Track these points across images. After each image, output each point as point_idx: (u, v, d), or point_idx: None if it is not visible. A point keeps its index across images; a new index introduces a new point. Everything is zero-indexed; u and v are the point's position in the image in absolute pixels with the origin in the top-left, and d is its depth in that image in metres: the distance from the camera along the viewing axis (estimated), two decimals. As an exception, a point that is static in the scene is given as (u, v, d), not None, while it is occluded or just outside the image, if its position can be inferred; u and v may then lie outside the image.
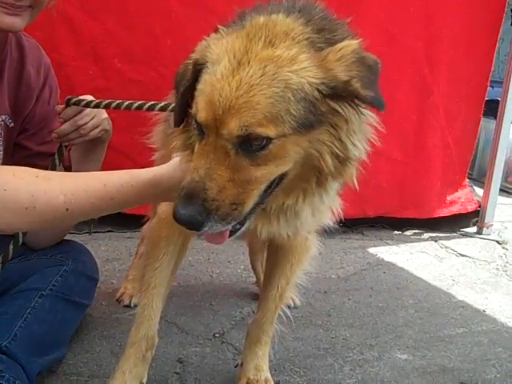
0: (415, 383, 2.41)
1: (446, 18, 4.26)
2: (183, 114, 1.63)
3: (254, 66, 1.41)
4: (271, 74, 1.40)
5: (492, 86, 6.08)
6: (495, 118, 4.73)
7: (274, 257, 2.15)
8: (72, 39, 3.56)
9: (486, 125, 5.95)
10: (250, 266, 3.16)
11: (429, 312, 3.12)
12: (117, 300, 2.83)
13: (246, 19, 1.53)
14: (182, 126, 1.66)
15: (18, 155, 2.27)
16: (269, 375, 2.22)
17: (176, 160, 1.74)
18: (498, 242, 4.55)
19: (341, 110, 1.44)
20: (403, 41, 4.19)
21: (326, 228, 2.04)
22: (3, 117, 2.16)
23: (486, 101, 5.82)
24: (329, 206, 1.87)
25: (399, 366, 2.53)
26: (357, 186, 1.64)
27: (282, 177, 1.51)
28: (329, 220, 1.95)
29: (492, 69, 4.64)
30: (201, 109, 1.44)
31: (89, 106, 2.12)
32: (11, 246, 2.17)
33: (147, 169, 1.78)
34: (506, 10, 4.49)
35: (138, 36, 3.63)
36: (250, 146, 1.41)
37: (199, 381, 2.27)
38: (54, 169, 2.21)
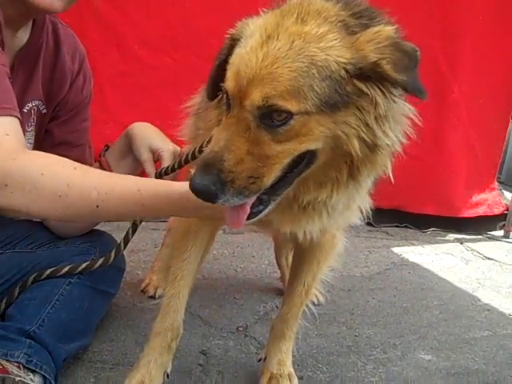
0: (439, 384, 2.40)
1: (466, 17, 4.23)
2: (216, 87, 1.63)
3: (281, 40, 1.42)
4: (298, 48, 1.41)
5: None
6: (524, 121, 4.68)
7: (300, 253, 2.14)
8: (97, 27, 3.83)
9: (516, 128, 5.89)
10: (274, 261, 3.17)
11: (453, 314, 3.09)
12: (142, 291, 2.86)
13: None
14: (215, 100, 1.68)
15: (46, 142, 2.30)
16: (292, 370, 2.21)
17: None
18: (524, 246, 4.50)
19: (367, 91, 1.42)
20: (417, 39, 4.14)
21: (352, 226, 2.04)
22: (37, 102, 2.19)
23: (516, 104, 5.77)
24: (358, 205, 1.86)
25: (423, 366, 2.51)
26: (392, 178, 1.62)
27: (310, 157, 1.48)
28: (358, 219, 1.94)
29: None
30: (229, 79, 1.46)
31: (180, 167, 2.15)
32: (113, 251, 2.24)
33: (185, 182, 1.77)
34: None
35: (155, 24, 3.87)
36: (272, 120, 1.41)
37: (222, 373, 2.28)
38: (135, 227, 2.19)
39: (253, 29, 1.50)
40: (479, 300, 3.33)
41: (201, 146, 1.89)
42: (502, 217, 4.75)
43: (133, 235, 2.20)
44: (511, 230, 4.68)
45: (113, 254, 2.23)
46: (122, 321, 2.59)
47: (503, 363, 2.61)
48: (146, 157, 2.29)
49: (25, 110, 2.14)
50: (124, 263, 2.57)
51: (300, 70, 1.39)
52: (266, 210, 1.54)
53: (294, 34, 1.42)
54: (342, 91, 1.42)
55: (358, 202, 1.84)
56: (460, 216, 4.64)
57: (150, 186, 1.73)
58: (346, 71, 1.41)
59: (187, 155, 2.02)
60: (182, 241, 2.00)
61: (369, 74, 1.41)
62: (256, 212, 1.52)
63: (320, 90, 1.40)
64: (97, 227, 2.52)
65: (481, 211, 4.69)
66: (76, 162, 1.71)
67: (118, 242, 2.25)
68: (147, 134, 2.33)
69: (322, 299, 2.96)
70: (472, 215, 4.67)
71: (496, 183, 4.91)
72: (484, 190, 4.76)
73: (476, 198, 4.69)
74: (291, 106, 1.39)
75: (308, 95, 1.39)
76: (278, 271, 3.15)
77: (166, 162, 2.22)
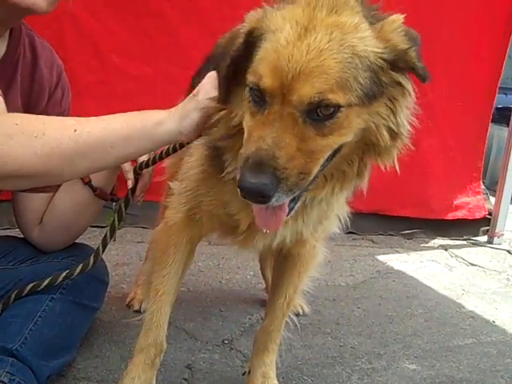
0: (423, 393, 2.41)
1: (440, 19, 4.26)
2: (228, 87, 1.58)
3: (320, 32, 1.39)
4: (338, 39, 1.40)
5: (505, 94, 6.10)
6: (508, 125, 4.71)
7: (281, 265, 2.15)
8: (75, 35, 3.85)
9: (499, 132, 5.96)
10: (259, 272, 3.18)
11: (438, 322, 3.12)
12: (127, 305, 2.84)
13: None
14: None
15: None
16: (276, 382, 2.22)
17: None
18: (508, 251, 4.54)
19: (402, 81, 1.47)
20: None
21: (334, 235, 2.05)
22: None
23: (500, 108, 5.84)
24: (336, 214, 1.88)
25: (407, 376, 2.52)
26: (398, 170, 1.62)
27: (337, 149, 1.49)
28: (336, 228, 1.95)
29: (501, 75, 4.62)
30: (265, 75, 1.40)
31: (155, 162, 2.14)
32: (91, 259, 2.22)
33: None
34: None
35: (134, 34, 3.92)
36: (317, 114, 1.39)
37: (207, 387, 2.29)
38: (120, 218, 2.20)
39: (278, 21, 1.45)
40: (463, 307, 3.36)
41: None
42: (486, 221, 4.79)
43: (111, 238, 2.19)
44: (495, 235, 4.71)
45: (92, 259, 2.21)
46: (106, 336, 2.58)
47: (487, 371, 2.63)
48: None
49: None
50: (107, 276, 2.56)
51: (345, 61, 1.39)
52: (297, 206, 1.54)
53: (331, 25, 1.41)
54: (379, 82, 1.44)
55: (336, 210, 1.86)
56: (438, 218, 4.66)
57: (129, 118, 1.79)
58: (384, 60, 1.43)
59: (168, 148, 1.98)
60: (163, 256, 1.99)
61: (400, 64, 1.45)
62: (290, 209, 1.52)
63: (363, 81, 1.41)
64: (79, 240, 2.52)
65: (460, 214, 4.72)
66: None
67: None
68: None
69: (306, 309, 2.97)
70: (451, 218, 4.70)
71: (482, 187, 4.93)
72: (467, 194, 4.79)
73: (457, 201, 4.72)
74: (340, 98, 1.39)
75: (353, 86, 1.40)
76: (263, 282, 3.16)
77: (142, 157, 2.19)
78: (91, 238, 3.30)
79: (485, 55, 4.51)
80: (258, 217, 1.53)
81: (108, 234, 2.17)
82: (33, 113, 2.25)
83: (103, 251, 2.22)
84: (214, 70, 1.69)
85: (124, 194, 2.23)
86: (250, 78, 1.46)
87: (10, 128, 1.62)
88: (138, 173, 2.22)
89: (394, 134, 1.51)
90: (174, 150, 1.94)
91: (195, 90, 1.76)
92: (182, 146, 1.89)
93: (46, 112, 2.29)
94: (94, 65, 3.93)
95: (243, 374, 2.29)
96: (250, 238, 1.87)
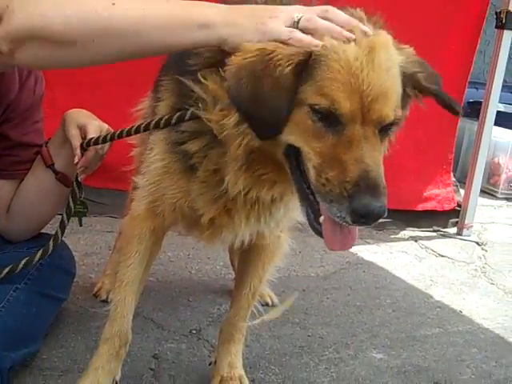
0: (390, 382, 2.43)
1: (411, 15, 4.21)
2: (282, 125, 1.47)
3: (380, 51, 1.44)
4: (391, 57, 1.47)
5: (476, 88, 6.15)
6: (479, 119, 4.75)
7: (246, 256, 2.16)
8: None
9: (470, 126, 6.01)
10: (229, 262, 3.17)
11: (405, 312, 3.14)
12: (94, 295, 2.81)
13: None
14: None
15: (1, 145, 2.25)
16: (242, 372, 2.22)
17: None
18: (477, 243, 4.59)
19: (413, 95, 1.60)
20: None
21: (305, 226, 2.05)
22: None
23: (471, 102, 5.89)
24: None
25: (374, 365, 2.54)
26: None
27: None
28: (300, 216, 1.95)
29: (472, 70, 4.66)
30: (343, 99, 1.39)
31: (105, 142, 2.10)
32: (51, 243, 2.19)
33: None
34: (487, 12, 4.52)
35: None
36: (386, 129, 1.48)
37: (174, 377, 2.27)
38: (74, 199, 2.22)
39: (330, 44, 1.42)
40: (431, 297, 3.39)
41: (139, 125, 1.85)
42: (455, 213, 4.84)
43: (68, 220, 2.20)
44: (464, 226, 4.75)
45: (51, 244, 2.19)
46: (72, 326, 2.55)
47: (453, 360, 2.67)
48: (72, 133, 2.20)
49: None
50: (74, 267, 2.53)
51: (398, 77, 1.48)
52: None
53: (382, 43, 1.47)
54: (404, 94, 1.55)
55: None
56: (408, 209, 4.67)
57: None
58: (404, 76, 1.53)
59: (122, 131, 1.96)
60: (127, 246, 1.98)
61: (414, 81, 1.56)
62: None
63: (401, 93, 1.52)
64: (47, 231, 2.49)
65: (430, 206, 4.75)
66: None
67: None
68: (77, 115, 2.27)
69: (275, 300, 2.96)
70: (420, 209, 4.73)
71: (453, 179, 4.98)
72: (437, 186, 4.82)
73: (427, 192, 4.75)
74: (400, 112, 1.49)
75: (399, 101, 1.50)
76: (233, 272, 3.15)
77: (91, 135, 2.16)
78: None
79: (455, 49, 4.53)
80: (332, 239, 1.52)
81: (64, 216, 2.17)
82: (3, 102, 2.21)
83: (62, 234, 2.20)
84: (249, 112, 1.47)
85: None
86: (318, 99, 1.41)
87: None
88: (84, 149, 2.18)
89: None
90: (128, 134, 1.93)
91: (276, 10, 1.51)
92: (137, 129, 1.87)
93: (18, 100, 2.25)
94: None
95: (209, 364, 2.29)
96: (214, 235, 1.90)
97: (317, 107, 1.42)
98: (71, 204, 2.21)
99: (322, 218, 1.51)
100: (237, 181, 1.63)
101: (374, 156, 1.41)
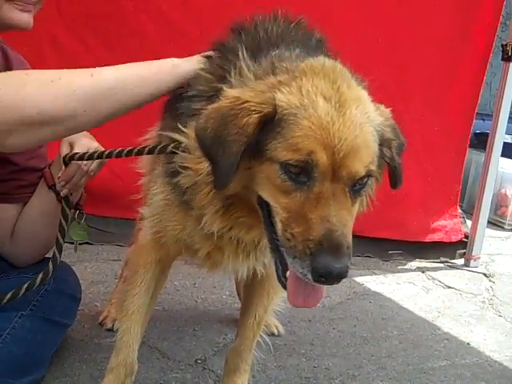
0: (396, 415, 2.40)
1: (416, 46, 4.31)
2: (233, 173, 1.47)
3: (352, 107, 1.43)
4: (363, 113, 1.45)
5: (483, 119, 6.16)
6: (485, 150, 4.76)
7: (250, 285, 2.16)
8: (56, 57, 3.81)
9: (477, 157, 6.01)
10: (235, 291, 3.16)
11: (413, 344, 3.11)
12: (99, 323, 2.81)
13: (270, 56, 1.61)
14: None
15: (5, 170, 2.27)
16: (248, 403, 2.20)
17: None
18: (485, 274, 4.55)
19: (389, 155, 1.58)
20: (369, 68, 4.22)
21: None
22: None
23: (477, 134, 5.89)
24: None
25: (381, 397, 2.52)
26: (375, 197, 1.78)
27: None
28: None
29: (479, 101, 4.68)
30: (316, 152, 1.38)
31: (91, 159, 2.11)
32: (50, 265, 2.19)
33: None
34: (493, 45, 4.56)
35: (116, 55, 3.77)
36: (356, 185, 1.45)
37: (178, 408, 2.26)
38: (65, 218, 2.23)
39: (299, 99, 1.43)
40: (439, 329, 3.36)
41: (131, 149, 1.93)
42: (463, 244, 4.81)
43: (63, 239, 2.21)
44: (471, 258, 4.73)
45: (50, 265, 2.19)
46: (77, 354, 2.54)
47: (460, 393, 2.63)
48: (62, 150, 2.21)
49: None
50: (80, 292, 2.54)
51: (372, 133, 1.47)
52: None
53: (354, 99, 1.45)
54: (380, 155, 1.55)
55: None
56: (416, 240, 4.66)
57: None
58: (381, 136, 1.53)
59: (111, 151, 2.00)
60: (134, 276, 2.00)
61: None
62: None
63: (377, 151, 1.51)
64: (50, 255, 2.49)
65: (437, 237, 4.73)
66: None
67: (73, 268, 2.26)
68: (73, 136, 2.25)
69: (281, 330, 2.95)
70: (428, 240, 4.71)
71: (459, 211, 4.97)
72: (444, 217, 4.81)
73: (434, 224, 4.74)
74: (374, 167, 1.48)
75: (375, 156, 1.49)
76: (239, 302, 3.14)
77: (76, 150, 2.17)
78: (65, 255, 3.25)
79: (463, 81, 4.57)
80: (295, 294, 1.50)
81: (59, 234, 2.19)
82: None
83: (60, 254, 2.21)
84: (209, 152, 1.51)
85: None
86: (289, 155, 1.41)
87: (20, 79, 1.64)
88: (66, 163, 2.19)
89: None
90: (118, 156, 1.98)
91: None
92: (130, 151, 1.93)
93: None
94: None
95: (214, 395, 2.27)
96: (214, 266, 1.92)
97: (291, 162, 1.41)
98: (63, 222, 2.21)
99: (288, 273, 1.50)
100: (213, 222, 1.65)
101: (341, 215, 1.39)
